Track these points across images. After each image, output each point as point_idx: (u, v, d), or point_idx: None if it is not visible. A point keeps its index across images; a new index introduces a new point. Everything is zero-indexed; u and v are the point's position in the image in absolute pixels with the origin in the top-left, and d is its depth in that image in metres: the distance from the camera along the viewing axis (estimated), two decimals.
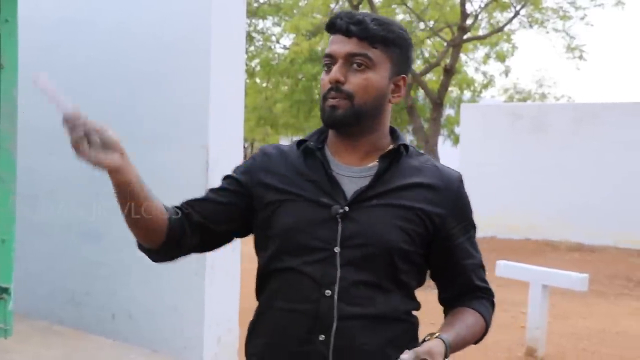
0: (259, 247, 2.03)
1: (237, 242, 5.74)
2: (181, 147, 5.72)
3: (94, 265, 6.27)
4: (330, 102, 1.89)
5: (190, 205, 2.00)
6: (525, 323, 7.14)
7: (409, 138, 22.85)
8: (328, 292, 1.87)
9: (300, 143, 2.00)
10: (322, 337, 1.87)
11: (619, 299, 10.19)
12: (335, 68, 1.89)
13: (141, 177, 1.86)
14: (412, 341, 1.96)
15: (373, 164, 1.95)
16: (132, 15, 6.09)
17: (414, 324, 2.02)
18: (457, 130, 20.88)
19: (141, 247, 2.02)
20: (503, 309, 8.57)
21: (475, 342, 2.03)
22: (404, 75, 1.98)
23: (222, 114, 5.64)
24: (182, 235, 1.96)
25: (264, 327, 1.99)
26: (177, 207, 1.99)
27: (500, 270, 7.26)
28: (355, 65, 1.88)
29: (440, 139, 20.52)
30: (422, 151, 2.06)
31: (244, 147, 29.54)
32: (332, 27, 1.93)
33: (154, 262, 2.07)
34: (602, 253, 13.65)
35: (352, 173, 1.94)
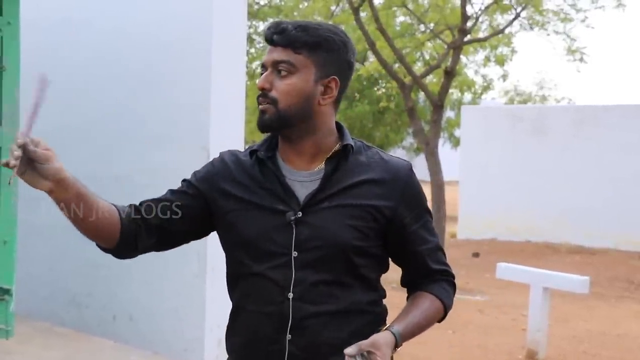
0: (225, 250, 2.12)
1: None
2: (182, 148, 5.72)
3: (95, 267, 6.27)
4: (260, 107, 2.00)
5: (148, 206, 2.09)
6: (525, 326, 7.13)
7: (408, 140, 22.89)
8: (291, 295, 1.98)
9: (252, 152, 2.08)
10: (289, 337, 1.99)
11: (619, 301, 10.18)
12: (262, 76, 2.00)
13: (85, 191, 1.94)
14: (379, 330, 2.04)
15: (322, 167, 2.04)
16: (133, 16, 6.10)
17: (379, 314, 2.10)
18: (457, 132, 20.90)
19: (98, 245, 2.09)
20: (503, 312, 8.58)
21: (439, 321, 2.14)
22: (334, 77, 2.02)
23: (222, 115, 5.65)
24: (136, 236, 2.05)
25: (239, 328, 2.11)
26: (135, 206, 2.08)
27: (501, 273, 7.26)
28: (280, 72, 1.98)
29: (440, 142, 20.53)
30: (371, 145, 2.13)
31: (244, 148, 29.55)
32: (265, 37, 2.04)
33: (118, 259, 2.16)
34: (602, 255, 13.64)
35: (303, 177, 2.03)
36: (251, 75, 21.57)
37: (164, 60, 5.90)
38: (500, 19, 16.46)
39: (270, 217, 2.00)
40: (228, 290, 2.17)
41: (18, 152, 1.73)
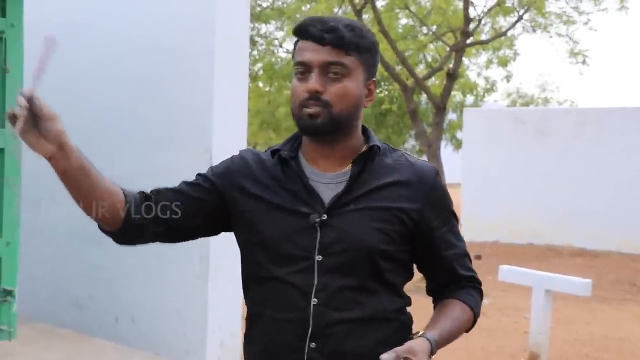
0: (242, 251, 2.05)
1: None
2: (184, 151, 5.72)
3: (97, 269, 6.28)
4: (309, 110, 1.90)
5: (161, 193, 2.02)
6: (528, 328, 7.12)
7: (411, 143, 22.90)
8: (315, 301, 1.91)
9: (274, 152, 2.02)
10: (313, 345, 1.92)
11: (622, 304, 10.17)
12: (313, 78, 1.90)
13: (89, 165, 1.88)
14: (405, 340, 1.97)
15: (348, 169, 1.98)
16: (136, 19, 6.11)
17: (405, 322, 2.04)
18: (459, 135, 20.87)
19: (100, 227, 2.03)
20: (506, 315, 8.57)
21: (467, 331, 2.08)
22: (374, 79, 2.01)
23: (225, 118, 5.65)
24: (143, 222, 1.97)
25: (258, 336, 2.03)
26: (145, 193, 2.00)
27: (503, 276, 7.25)
28: (332, 74, 1.90)
29: (442, 144, 20.51)
30: (396, 148, 2.08)
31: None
32: (304, 34, 1.94)
33: (118, 244, 2.10)
34: (605, 258, 13.63)
35: (329, 180, 1.97)
36: (253, 78, 21.57)
37: (167, 63, 5.90)
38: (503, 22, 16.47)
39: (292, 219, 1.94)
40: (244, 294, 2.09)
41: (25, 103, 1.68)
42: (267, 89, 22.81)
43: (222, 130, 5.61)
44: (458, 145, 21.53)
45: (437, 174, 2.05)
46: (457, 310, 2.02)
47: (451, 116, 22.62)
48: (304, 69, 1.92)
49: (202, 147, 5.58)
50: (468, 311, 2.04)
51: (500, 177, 15.41)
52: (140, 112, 6.06)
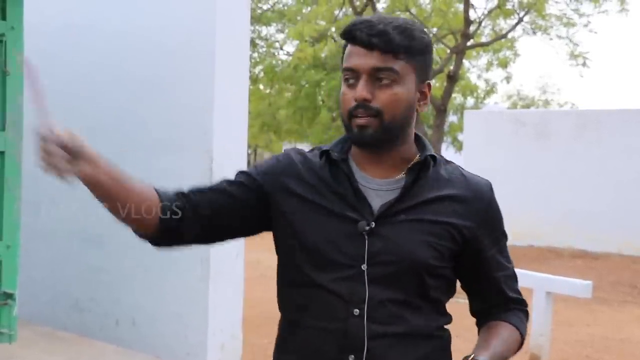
0: (281, 254, 1.97)
1: (241, 249, 5.76)
2: (185, 153, 5.72)
3: (98, 272, 6.28)
4: (359, 121, 1.81)
5: (199, 192, 1.93)
6: (528, 330, 7.12)
7: None
8: (356, 312, 1.82)
9: (322, 152, 1.93)
10: (352, 357, 1.83)
11: (622, 306, 10.17)
12: (361, 85, 1.80)
13: (115, 169, 1.84)
14: (445, 357, 1.95)
15: (400, 177, 1.88)
16: (136, 21, 6.11)
17: (445, 339, 1.97)
18: (460, 137, 20.90)
19: (135, 232, 1.95)
20: None
21: (513, 354, 1.97)
22: (429, 81, 1.91)
23: (226, 120, 5.65)
24: (179, 224, 1.89)
25: (293, 344, 1.94)
26: (182, 193, 1.92)
27: None
28: (381, 81, 1.80)
29: (443, 146, 20.51)
30: (449, 160, 2.00)
31: (248, 153, 29.62)
32: (351, 38, 1.83)
33: (154, 247, 2.00)
34: (605, 260, 13.63)
35: (379, 186, 1.88)
36: (254, 80, 21.58)
37: (167, 65, 5.90)
38: (503, 24, 16.51)
39: (338, 224, 1.84)
40: (278, 300, 2.00)
41: (56, 149, 1.65)
42: (267, 91, 22.83)
43: (223, 132, 5.61)
44: (459, 147, 21.56)
45: (492, 189, 1.98)
46: (506, 332, 1.93)
47: (452, 118, 22.65)
48: (351, 75, 1.83)
49: (202, 148, 5.57)
50: (516, 334, 1.96)
51: (501, 179, 15.34)
52: (141, 113, 6.06)
